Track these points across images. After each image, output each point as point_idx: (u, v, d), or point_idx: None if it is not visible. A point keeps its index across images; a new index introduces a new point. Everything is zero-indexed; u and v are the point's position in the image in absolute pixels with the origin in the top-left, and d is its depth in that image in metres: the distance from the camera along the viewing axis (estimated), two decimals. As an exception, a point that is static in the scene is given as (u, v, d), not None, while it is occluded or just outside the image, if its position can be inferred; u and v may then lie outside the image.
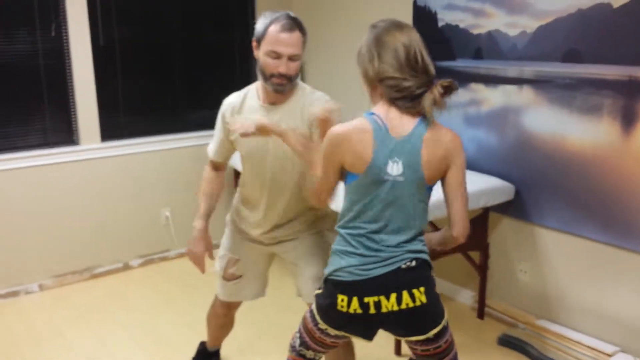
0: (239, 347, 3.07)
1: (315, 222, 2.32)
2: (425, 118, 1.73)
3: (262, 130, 1.97)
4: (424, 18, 3.45)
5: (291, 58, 2.04)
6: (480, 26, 3.15)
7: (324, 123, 1.86)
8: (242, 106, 2.19)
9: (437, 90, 1.69)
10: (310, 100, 2.13)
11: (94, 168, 3.90)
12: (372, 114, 1.74)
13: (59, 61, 3.72)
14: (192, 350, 2.86)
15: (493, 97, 3.16)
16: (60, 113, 3.78)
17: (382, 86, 1.73)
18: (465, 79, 3.28)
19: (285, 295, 3.27)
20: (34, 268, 3.77)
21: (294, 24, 2.04)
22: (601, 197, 2.75)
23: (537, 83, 2.94)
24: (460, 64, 3.30)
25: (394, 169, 1.71)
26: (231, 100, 2.24)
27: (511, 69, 3.05)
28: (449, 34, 3.32)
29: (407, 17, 3.56)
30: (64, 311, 3.52)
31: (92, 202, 3.92)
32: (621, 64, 2.60)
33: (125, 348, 3.10)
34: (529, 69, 2.97)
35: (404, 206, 1.74)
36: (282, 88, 2.07)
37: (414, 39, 1.74)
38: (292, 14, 2.08)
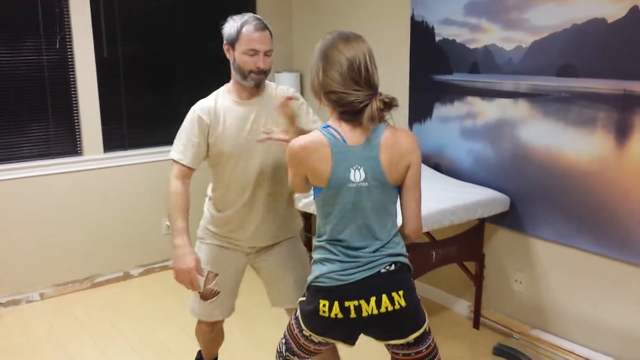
0: (235, 357, 3.10)
1: (289, 224, 2.39)
2: (380, 124, 1.77)
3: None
4: (421, 32, 3.51)
5: (266, 54, 2.18)
6: (477, 41, 3.21)
7: (284, 107, 2.05)
8: (216, 107, 2.26)
9: (376, 105, 1.72)
10: (277, 91, 2.32)
11: (96, 178, 3.94)
12: (327, 126, 1.79)
13: (63, 73, 3.78)
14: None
15: (489, 111, 3.21)
16: (64, 124, 3.84)
17: (326, 99, 1.78)
18: (462, 92, 3.34)
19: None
20: (35, 277, 3.81)
21: (264, 24, 2.19)
22: (595, 209, 2.79)
23: (533, 97, 2.99)
24: (457, 77, 3.35)
25: (357, 176, 1.76)
26: (204, 104, 2.27)
27: (507, 83, 3.10)
28: (446, 48, 3.38)
29: (404, 32, 3.62)
30: (65, 320, 3.55)
31: (94, 212, 3.97)
32: (615, 78, 2.65)
33: (125, 357, 3.13)
34: (525, 83, 3.02)
35: (374, 210, 1.79)
36: (260, 81, 2.21)
37: (360, 51, 1.75)
38: (258, 15, 2.22)
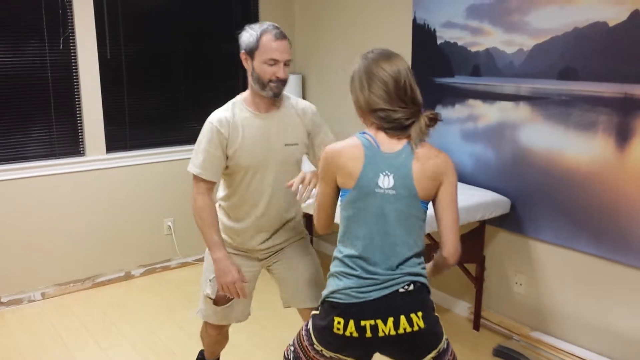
0: (240, 358, 3.11)
1: (299, 227, 2.43)
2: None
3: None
4: (423, 35, 3.53)
5: (286, 63, 2.18)
6: (478, 44, 3.22)
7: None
8: (234, 119, 2.22)
9: (424, 121, 1.78)
10: (299, 104, 2.33)
11: (98, 179, 3.96)
12: (364, 133, 1.81)
13: (67, 74, 3.80)
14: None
15: (490, 113, 3.22)
16: (67, 124, 3.85)
17: (372, 117, 1.80)
18: (463, 95, 3.35)
19: (288, 309, 3.31)
20: (37, 276, 3.82)
21: (283, 33, 2.19)
22: (596, 211, 2.80)
23: (534, 100, 3.01)
24: (459, 80, 3.37)
25: (385, 182, 1.75)
26: (222, 116, 2.21)
27: (508, 86, 3.12)
28: (448, 51, 3.40)
29: (406, 35, 3.64)
30: (66, 320, 3.56)
31: (96, 212, 3.98)
32: (616, 82, 2.66)
33: (126, 357, 3.14)
34: (526, 86, 3.03)
35: (398, 221, 1.76)
36: (279, 91, 2.20)
37: (402, 69, 1.79)
38: (277, 25, 2.21)
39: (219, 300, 2.36)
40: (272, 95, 2.19)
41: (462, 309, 3.55)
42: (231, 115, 2.22)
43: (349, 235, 1.80)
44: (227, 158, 2.22)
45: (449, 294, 3.63)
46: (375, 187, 1.75)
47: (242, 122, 2.22)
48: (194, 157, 2.23)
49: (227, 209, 2.34)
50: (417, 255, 1.81)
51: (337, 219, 1.90)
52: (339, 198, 1.85)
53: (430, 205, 1.84)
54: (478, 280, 3.31)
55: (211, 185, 2.24)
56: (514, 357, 3.02)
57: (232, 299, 2.36)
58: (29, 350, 3.20)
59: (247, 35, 2.17)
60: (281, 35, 2.15)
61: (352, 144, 1.79)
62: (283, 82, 2.19)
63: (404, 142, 1.78)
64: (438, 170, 1.78)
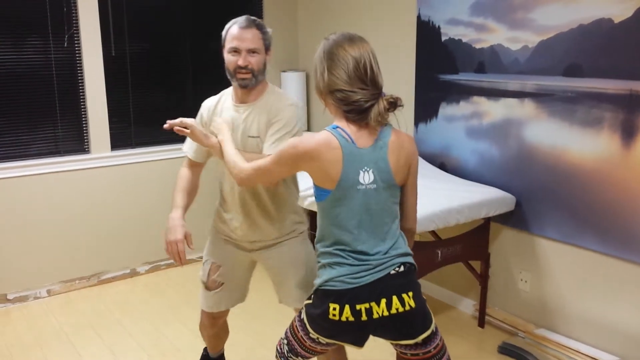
0: (241, 356, 3.12)
1: (279, 223, 2.34)
2: (385, 127, 1.81)
3: (192, 134, 2.17)
4: (427, 32, 3.52)
5: (250, 52, 2.15)
6: (483, 41, 3.22)
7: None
8: (217, 107, 2.30)
9: (382, 104, 1.75)
10: (274, 99, 2.22)
11: (103, 176, 3.97)
12: (336, 127, 1.79)
13: (71, 71, 3.81)
14: (198, 357, 2.90)
15: (495, 110, 3.22)
16: (72, 122, 3.86)
17: (332, 98, 1.79)
18: (468, 92, 3.34)
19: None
20: (42, 273, 3.84)
21: (251, 22, 2.17)
22: (601, 208, 2.80)
23: (539, 96, 3.00)
24: (463, 77, 3.36)
25: (365, 178, 1.78)
26: (208, 102, 2.35)
27: (513, 83, 3.11)
28: (452, 48, 3.39)
29: (411, 32, 3.63)
30: (72, 317, 3.58)
31: (101, 209, 4.00)
32: (621, 78, 2.66)
33: (131, 354, 3.15)
34: (531, 83, 3.03)
35: (382, 211, 1.81)
36: (246, 82, 2.17)
37: (365, 51, 1.78)
38: (253, 17, 2.21)
39: (210, 286, 2.43)
40: (239, 86, 2.19)
41: (467, 306, 3.55)
42: (216, 102, 2.32)
43: (335, 229, 1.81)
44: None
45: (454, 291, 3.63)
46: (356, 184, 1.77)
47: (222, 111, 2.28)
48: None
49: (220, 193, 2.41)
50: (400, 234, 1.88)
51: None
52: (316, 198, 1.85)
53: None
54: (483, 278, 3.31)
55: (195, 164, 2.41)
56: (519, 354, 3.02)
57: (222, 284, 2.41)
58: (35, 347, 3.21)
59: (224, 30, 2.22)
60: (247, 24, 2.15)
61: (330, 144, 1.75)
62: (249, 72, 2.15)
63: (377, 130, 1.80)
64: (408, 158, 1.85)
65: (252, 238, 2.33)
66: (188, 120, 2.16)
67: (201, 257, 4.13)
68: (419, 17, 3.56)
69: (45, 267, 3.84)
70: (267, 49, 2.21)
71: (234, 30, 2.15)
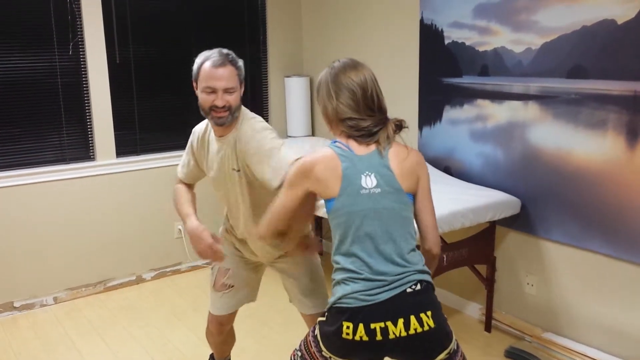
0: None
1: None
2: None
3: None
4: (430, 36, 3.52)
5: (226, 91, 2.09)
6: (486, 43, 3.21)
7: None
8: (204, 137, 2.29)
9: (391, 127, 1.82)
10: (240, 132, 2.14)
11: (108, 183, 3.98)
12: (335, 142, 1.83)
13: (76, 79, 3.83)
14: (203, 362, 2.91)
15: (499, 113, 3.21)
16: (77, 129, 3.88)
17: (342, 125, 1.83)
18: (472, 95, 3.34)
19: (295, 310, 3.31)
20: (49, 281, 3.85)
21: (225, 59, 2.09)
22: (607, 210, 2.78)
23: (543, 99, 2.99)
24: (467, 80, 3.35)
25: (368, 182, 1.76)
26: (197, 130, 2.33)
27: (517, 85, 3.10)
28: (455, 51, 3.39)
29: (414, 35, 3.63)
30: (78, 324, 3.58)
31: (107, 216, 4.01)
32: (626, 80, 2.64)
33: None
34: (535, 85, 3.02)
35: (391, 217, 1.77)
36: (222, 120, 2.11)
37: (369, 78, 1.83)
38: (225, 51, 2.14)
39: (219, 288, 2.44)
40: (214, 124, 2.15)
41: (474, 310, 3.53)
42: (204, 131, 2.30)
43: (346, 242, 1.78)
44: (200, 170, 2.37)
45: (460, 296, 3.61)
46: (359, 188, 1.76)
47: (209, 142, 2.27)
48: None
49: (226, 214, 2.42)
50: (416, 250, 1.82)
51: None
52: (325, 210, 1.84)
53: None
54: (489, 282, 3.29)
55: (188, 185, 2.43)
56: (526, 358, 3.00)
57: (232, 287, 2.42)
58: (42, 355, 3.22)
59: (195, 64, 2.15)
60: (220, 62, 2.07)
61: (326, 155, 1.79)
62: (226, 109, 2.09)
63: (373, 147, 1.82)
64: (414, 168, 1.83)
65: (260, 259, 2.39)
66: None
67: (208, 263, 4.14)
68: (422, 20, 3.56)
69: (52, 275, 3.85)
70: (241, 83, 2.15)
71: (207, 69, 2.07)
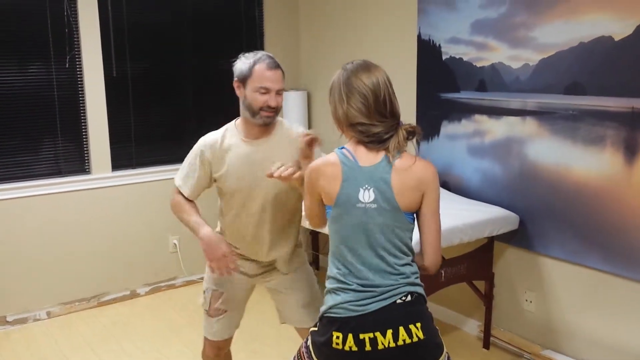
0: (245, 376, 3.07)
1: (292, 259, 2.36)
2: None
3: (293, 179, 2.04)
4: (428, 51, 3.52)
5: (278, 92, 2.17)
6: (484, 59, 3.22)
7: (309, 146, 2.03)
8: (222, 144, 2.26)
9: (402, 134, 1.77)
10: (294, 132, 2.26)
11: (104, 197, 3.96)
12: (342, 148, 1.81)
13: (73, 92, 3.81)
14: (198, 378, 2.87)
15: (497, 128, 3.21)
16: (73, 143, 3.86)
17: (352, 130, 1.79)
18: (469, 110, 3.34)
19: (286, 325, 3.28)
20: (42, 295, 3.81)
21: (277, 63, 2.19)
22: (605, 227, 2.77)
23: (540, 114, 2.99)
24: (464, 95, 3.36)
25: (365, 196, 1.74)
26: (210, 139, 2.29)
27: (514, 101, 3.10)
28: (453, 66, 3.39)
29: (411, 50, 3.64)
30: (72, 338, 3.54)
31: (102, 230, 3.98)
32: (623, 96, 2.65)
33: (132, 376, 3.11)
34: (532, 101, 3.02)
35: (383, 234, 1.75)
36: (270, 120, 2.19)
37: (382, 81, 1.79)
38: (271, 55, 2.21)
39: (213, 313, 2.40)
40: (261, 124, 2.19)
41: (472, 327, 3.50)
42: (220, 139, 2.27)
43: (338, 252, 1.79)
44: (214, 180, 2.29)
45: (458, 312, 3.59)
46: (356, 202, 1.75)
47: (230, 148, 2.24)
48: (180, 169, 2.37)
49: (224, 226, 2.37)
50: (408, 264, 1.79)
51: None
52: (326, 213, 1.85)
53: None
54: (487, 298, 3.27)
55: (190, 201, 2.35)
56: (524, 376, 2.97)
57: (225, 312, 2.38)
58: (34, 371, 3.17)
59: (241, 64, 2.19)
60: (274, 65, 2.17)
61: (330, 162, 1.78)
62: (275, 110, 2.18)
63: (382, 154, 1.77)
64: (419, 184, 1.77)
65: (255, 265, 2.35)
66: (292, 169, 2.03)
67: (200, 279, 4.11)
68: (419, 36, 3.57)
69: (45, 289, 3.81)
70: None
71: (262, 70, 2.15)
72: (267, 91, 2.14)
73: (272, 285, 2.38)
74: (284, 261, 2.33)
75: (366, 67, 1.82)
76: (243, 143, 2.24)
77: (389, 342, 1.69)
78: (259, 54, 2.20)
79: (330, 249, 1.84)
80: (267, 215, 2.24)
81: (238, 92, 2.22)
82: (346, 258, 1.78)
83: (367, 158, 1.77)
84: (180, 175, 2.35)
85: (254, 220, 2.26)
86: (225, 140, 2.26)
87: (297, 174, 2.01)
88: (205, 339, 2.48)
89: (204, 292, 2.41)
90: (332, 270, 1.82)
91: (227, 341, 2.50)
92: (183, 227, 4.17)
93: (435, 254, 1.83)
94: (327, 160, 1.80)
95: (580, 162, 2.84)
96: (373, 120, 1.76)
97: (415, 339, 1.70)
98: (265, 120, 2.18)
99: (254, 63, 2.16)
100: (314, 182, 1.82)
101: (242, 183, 2.22)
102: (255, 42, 4.49)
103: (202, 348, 2.57)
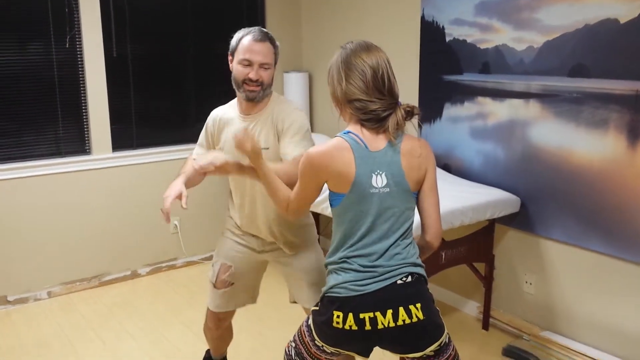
0: (244, 358, 3.09)
1: (299, 235, 2.34)
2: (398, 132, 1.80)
3: (220, 169, 1.96)
4: (431, 33, 3.50)
5: (262, 66, 2.14)
6: (488, 41, 3.20)
7: (240, 144, 1.86)
8: (223, 118, 2.30)
9: (400, 113, 1.77)
10: (278, 108, 2.21)
11: (104, 177, 3.95)
12: (348, 132, 1.79)
13: (73, 72, 3.79)
14: (200, 359, 2.88)
15: (500, 111, 3.20)
16: (73, 123, 3.84)
17: (350, 107, 1.79)
18: (472, 92, 3.32)
19: (291, 307, 3.30)
20: (43, 275, 3.81)
21: (265, 36, 2.16)
22: (606, 209, 2.77)
23: (544, 97, 2.98)
24: (467, 78, 3.34)
25: (378, 181, 1.75)
26: (215, 112, 2.35)
27: (518, 83, 3.09)
28: (456, 48, 3.37)
29: (415, 32, 3.61)
30: (72, 318, 3.55)
31: (102, 211, 3.97)
32: (628, 79, 2.64)
33: (133, 355, 3.13)
34: (536, 83, 3.01)
35: (394, 216, 1.77)
36: (253, 95, 2.16)
37: (382, 60, 1.79)
38: (264, 29, 2.20)
39: (219, 285, 2.42)
40: (245, 98, 2.17)
41: (471, 308, 3.52)
42: (223, 113, 2.31)
43: (346, 233, 1.79)
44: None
45: (458, 294, 3.61)
46: (369, 187, 1.75)
47: (228, 122, 2.27)
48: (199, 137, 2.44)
49: (230, 200, 2.41)
50: (411, 244, 1.82)
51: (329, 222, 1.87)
52: (330, 204, 1.83)
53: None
54: (487, 280, 3.28)
55: None
56: (523, 356, 2.99)
57: (232, 284, 2.41)
58: (35, 349, 3.19)
59: (234, 38, 2.20)
60: (261, 37, 2.14)
61: (341, 147, 1.76)
62: (259, 84, 2.14)
63: (385, 137, 1.78)
64: (422, 162, 1.81)
65: (259, 241, 2.37)
66: (217, 160, 1.95)
67: (206, 258, 4.14)
68: (423, 17, 3.54)
69: (46, 269, 3.82)
70: (275, 63, 2.22)
71: (247, 42, 2.13)
72: (249, 63, 2.13)
73: (282, 262, 2.39)
74: (286, 241, 2.32)
75: (366, 46, 1.82)
76: (238, 118, 2.26)
77: (388, 322, 1.71)
78: (253, 28, 2.19)
79: (334, 231, 1.84)
80: (258, 192, 2.23)
81: (230, 66, 2.23)
82: (352, 242, 1.78)
83: (375, 143, 1.77)
84: (198, 142, 2.43)
85: (248, 196, 2.28)
86: (227, 114, 2.30)
87: (219, 163, 1.92)
88: (208, 310, 2.51)
89: (212, 265, 2.45)
90: (334, 253, 1.83)
91: (229, 314, 2.52)
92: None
93: (438, 227, 1.87)
94: (339, 144, 1.76)
95: (583, 145, 2.83)
96: (372, 97, 1.76)
97: (414, 320, 1.72)
98: (249, 95, 2.15)
99: (242, 36, 2.17)
100: (322, 167, 1.77)
101: (234, 156, 2.21)
102: (256, 23, 4.45)
103: (202, 326, 2.59)
